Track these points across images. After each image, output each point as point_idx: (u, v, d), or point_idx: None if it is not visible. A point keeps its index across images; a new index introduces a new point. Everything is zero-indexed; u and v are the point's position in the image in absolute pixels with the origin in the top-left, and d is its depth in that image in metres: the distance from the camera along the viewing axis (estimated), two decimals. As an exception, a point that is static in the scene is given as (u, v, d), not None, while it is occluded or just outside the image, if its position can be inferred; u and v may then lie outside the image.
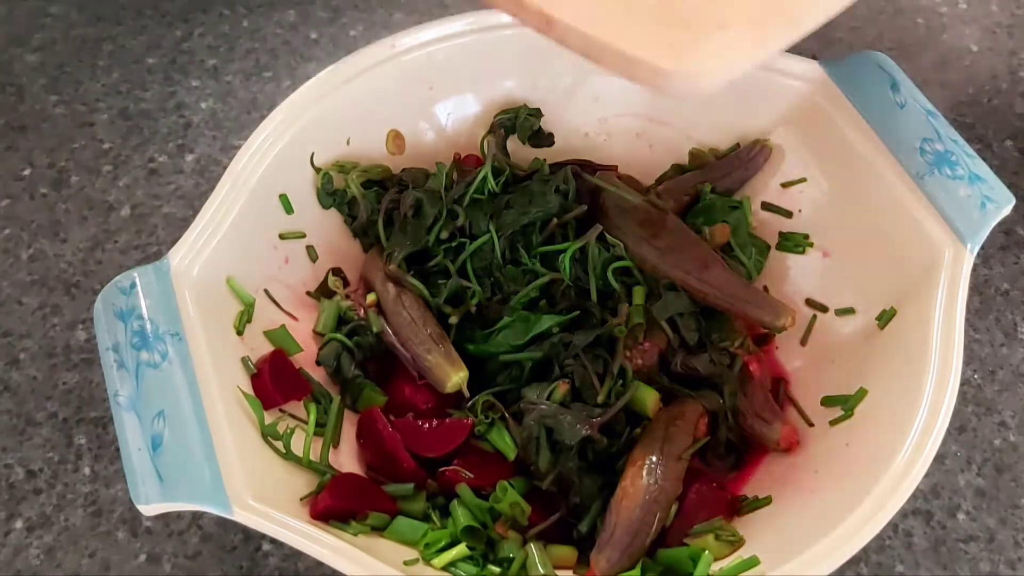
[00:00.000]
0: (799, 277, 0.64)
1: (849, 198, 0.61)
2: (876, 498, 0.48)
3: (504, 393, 0.59)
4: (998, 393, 0.67)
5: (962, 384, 0.52)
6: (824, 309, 0.62)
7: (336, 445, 0.57)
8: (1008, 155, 0.79)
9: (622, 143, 0.68)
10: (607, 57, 0.47)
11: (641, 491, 0.53)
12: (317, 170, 0.62)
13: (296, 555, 0.60)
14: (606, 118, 0.66)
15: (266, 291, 0.60)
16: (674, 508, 0.54)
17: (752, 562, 0.49)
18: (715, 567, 0.51)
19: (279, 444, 0.53)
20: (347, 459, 0.58)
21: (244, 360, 0.56)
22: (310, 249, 0.63)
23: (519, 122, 0.66)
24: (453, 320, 0.61)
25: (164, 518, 0.61)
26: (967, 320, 0.53)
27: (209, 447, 0.49)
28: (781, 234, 0.65)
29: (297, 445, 0.54)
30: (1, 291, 0.72)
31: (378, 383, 0.61)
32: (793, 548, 0.48)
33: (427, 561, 0.51)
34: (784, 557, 0.48)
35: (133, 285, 0.53)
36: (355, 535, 0.51)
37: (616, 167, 0.69)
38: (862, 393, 0.55)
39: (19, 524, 0.62)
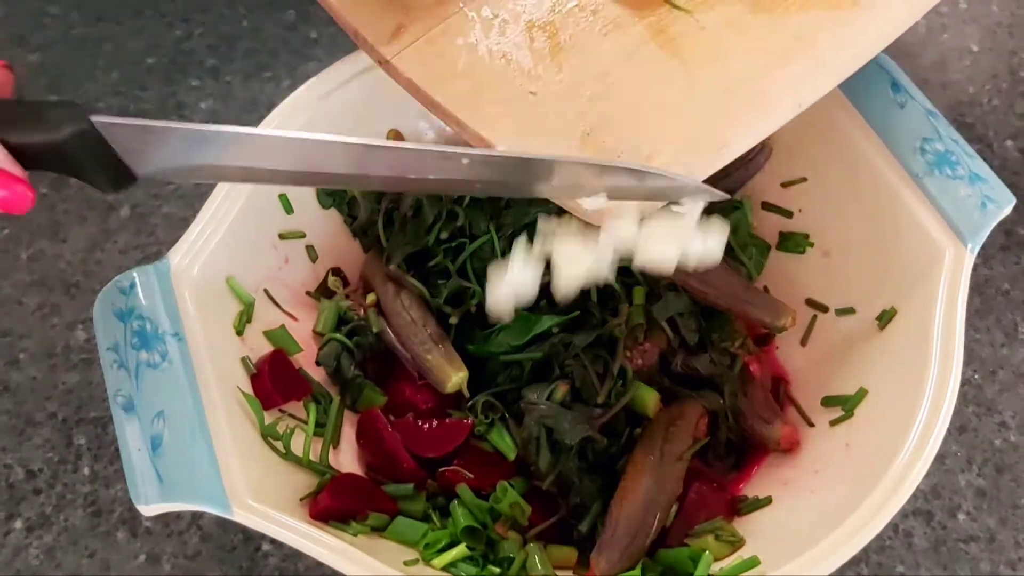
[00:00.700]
0: (799, 277, 0.64)
1: (849, 198, 0.61)
2: (876, 498, 0.48)
3: (504, 393, 0.59)
4: (998, 393, 0.67)
5: (962, 384, 0.52)
6: (824, 309, 0.62)
7: (336, 445, 0.57)
8: (1008, 155, 0.79)
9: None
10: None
11: (641, 491, 0.53)
12: (317, 170, 0.62)
13: (296, 555, 0.60)
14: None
15: (266, 291, 0.60)
16: (674, 508, 0.54)
17: (752, 562, 0.49)
18: (715, 567, 0.51)
19: (279, 444, 0.53)
20: (347, 459, 0.58)
21: (244, 360, 0.55)
22: (310, 249, 0.63)
23: (519, 122, 0.66)
24: (453, 320, 0.61)
25: (164, 518, 0.61)
26: (967, 320, 0.53)
27: (209, 447, 0.49)
28: (781, 234, 0.65)
29: (297, 445, 0.54)
30: (1, 291, 0.72)
31: (378, 383, 0.61)
32: (793, 548, 0.48)
33: (427, 561, 0.51)
34: (784, 557, 0.48)
35: (133, 285, 0.53)
36: (355, 535, 0.51)
37: (616, 167, 0.68)
38: (862, 393, 0.55)
39: (19, 524, 0.62)
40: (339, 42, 0.84)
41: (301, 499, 0.52)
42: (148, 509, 0.47)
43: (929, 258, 0.55)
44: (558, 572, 0.53)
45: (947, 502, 0.63)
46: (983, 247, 0.55)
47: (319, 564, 0.47)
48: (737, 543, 0.52)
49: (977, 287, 0.72)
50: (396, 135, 0.65)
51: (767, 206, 0.65)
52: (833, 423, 0.56)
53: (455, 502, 0.55)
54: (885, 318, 0.57)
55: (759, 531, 0.53)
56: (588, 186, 0.47)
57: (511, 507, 0.54)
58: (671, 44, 0.53)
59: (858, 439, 0.54)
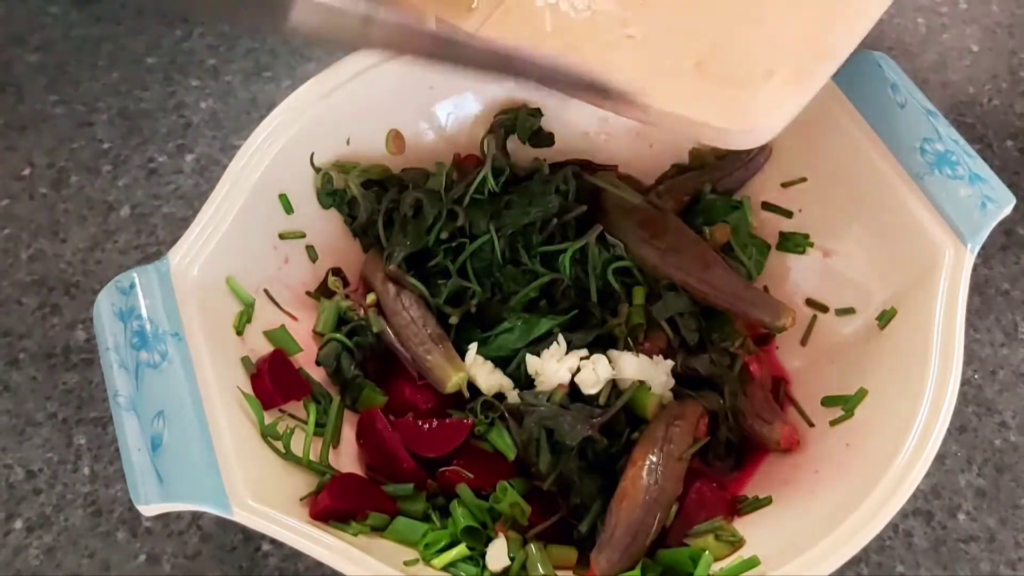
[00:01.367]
0: (799, 277, 0.64)
1: (849, 198, 0.61)
2: (876, 498, 0.48)
3: (504, 393, 0.59)
4: (998, 393, 0.67)
5: (962, 384, 0.52)
6: (824, 309, 0.62)
7: (336, 445, 0.57)
8: (1008, 155, 0.79)
9: (622, 143, 0.68)
10: (668, 122, 0.51)
11: (641, 491, 0.53)
12: (317, 170, 0.62)
13: (296, 555, 0.60)
14: (606, 117, 0.66)
15: (266, 291, 0.60)
16: (674, 508, 0.54)
17: (752, 562, 0.49)
18: (715, 567, 0.51)
19: (279, 444, 0.53)
20: (347, 459, 0.58)
21: (244, 360, 0.55)
22: (310, 249, 0.63)
23: (519, 122, 0.66)
24: (453, 320, 0.61)
25: (164, 518, 0.61)
26: (967, 320, 0.53)
27: (209, 447, 0.49)
28: (781, 234, 0.65)
29: (297, 445, 0.54)
30: (1, 291, 0.72)
31: (378, 383, 0.61)
32: (793, 548, 0.48)
33: (427, 561, 0.51)
34: (784, 557, 0.48)
35: (133, 285, 0.53)
36: (355, 535, 0.51)
37: (616, 167, 0.68)
38: (862, 393, 0.55)
39: (19, 524, 0.62)
40: (339, 42, 0.84)
41: (301, 499, 0.52)
42: (148, 509, 0.47)
43: (929, 258, 0.55)
44: (558, 572, 0.53)
45: (947, 502, 0.63)
46: (983, 247, 0.55)
47: (319, 564, 0.47)
48: (737, 543, 0.52)
49: (977, 287, 0.72)
50: (396, 135, 0.65)
51: (767, 206, 0.65)
52: (833, 423, 0.56)
53: (455, 502, 0.55)
54: (885, 318, 0.57)
55: (759, 531, 0.53)
56: None
57: (511, 507, 0.54)
58: None
59: (858, 439, 0.54)
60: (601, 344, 0.59)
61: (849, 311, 0.60)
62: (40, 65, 0.85)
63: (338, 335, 0.61)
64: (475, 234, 0.62)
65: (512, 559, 0.52)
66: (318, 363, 0.60)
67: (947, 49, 0.85)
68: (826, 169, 0.62)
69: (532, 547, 0.53)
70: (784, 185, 0.65)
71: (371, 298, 0.62)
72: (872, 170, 0.59)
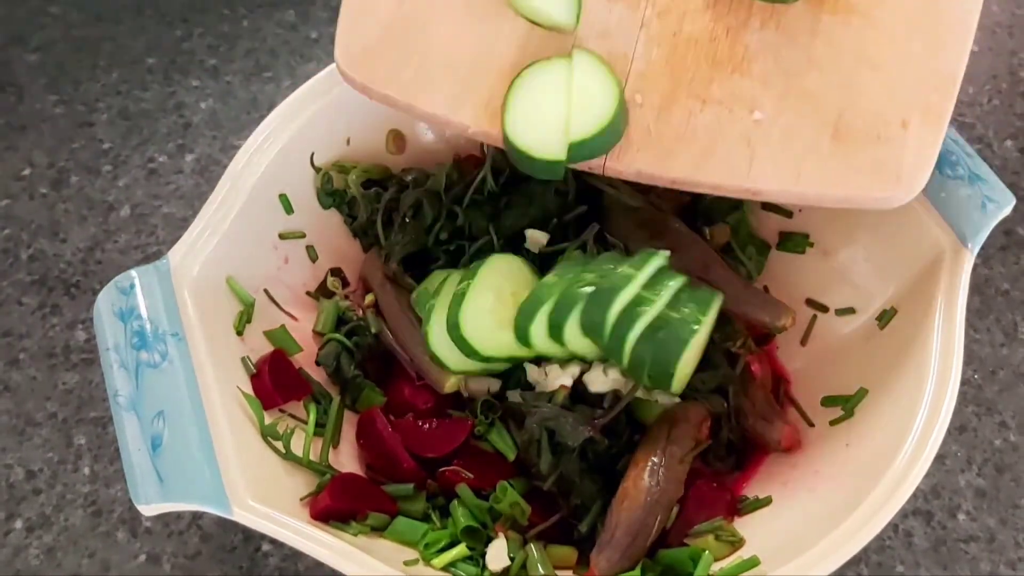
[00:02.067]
0: (799, 277, 0.64)
1: (849, 198, 0.61)
2: (876, 498, 0.48)
3: (504, 393, 0.59)
4: (998, 393, 0.67)
5: (962, 384, 0.51)
6: (824, 309, 0.62)
7: (336, 445, 0.57)
8: (1008, 155, 0.79)
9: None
10: (828, 202, 0.50)
11: (643, 493, 0.53)
12: (317, 170, 0.62)
13: (296, 555, 0.60)
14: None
15: (266, 291, 0.60)
16: (675, 510, 0.54)
17: (752, 562, 0.49)
18: (715, 567, 0.50)
19: (279, 444, 0.53)
20: (347, 459, 0.58)
21: (244, 360, 0.55)
22: (310, 249, 0.63)
23: (519, 122, 0.66)
24: (453, 320, 0.61)
25: (164, 518, 0.61)
26: (967, 320, 0.53)
27: (209, 447, 0.49)
28: (781, 234, 0.65)
29: (297, 445, 0.54)
30: (1, 291, 0.72)
31: (378, 383, 0.61)
32: (793, 548, 0.48)
33: (427, 561, 0.51)
34: (784, 557, 0.48)
35: (133, 285, 0.53)
36: (355, 535, 0.51)
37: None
38: (862, 393, 0.55)
39: (19, 524, 0.62)
40: (339, 42, 0.84)
41: (301, 499, 0.52)
42: (148, 509, 0.47)
43: (929, 258, 0.55)
44: (558, 572, 0.53)
45: (947, 502, 0.63)
46: (983, 247, 0.55)
47: (319, 564, 0.47)
48: (737, 543, 0.52)
49: (977, 287, 0.72)
50: (396, 135, 0.65)
51: (767, 206, 0.65)
52: (833, 423, 0.56)
53: (455, 502, 0.55)
54: (885, 318, 0.57)
55: (759, 531, 0.53)
56: None
57: (511, 507, 0.54)
58: (842, 4, 0.51)
59: (858, 439, 0.54)
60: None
61: (849, 311, 0.60)
62: (40, 65, 0.85)
63: (338, 335, 0.61)
64: (475, 235, 0.62)
65: (512, 559, 0.52)
66: (318, 363, 0.60)
67: (947, 49, 0.85)
68: (826, 169, 0.62)
69: (532, 547, 0.53)
70: (784, 185, 0.65)
71: (369, 298, 0.62)
72: (872, 170, 0.59)
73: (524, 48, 0.53)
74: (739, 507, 0.56)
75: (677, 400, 0.57)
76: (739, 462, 0.59)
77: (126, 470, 0.48)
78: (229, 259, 0.57)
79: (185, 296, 0.53)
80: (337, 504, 0.52)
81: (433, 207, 0.62)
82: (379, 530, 0.53)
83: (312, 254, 0.63)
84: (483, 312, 0.54)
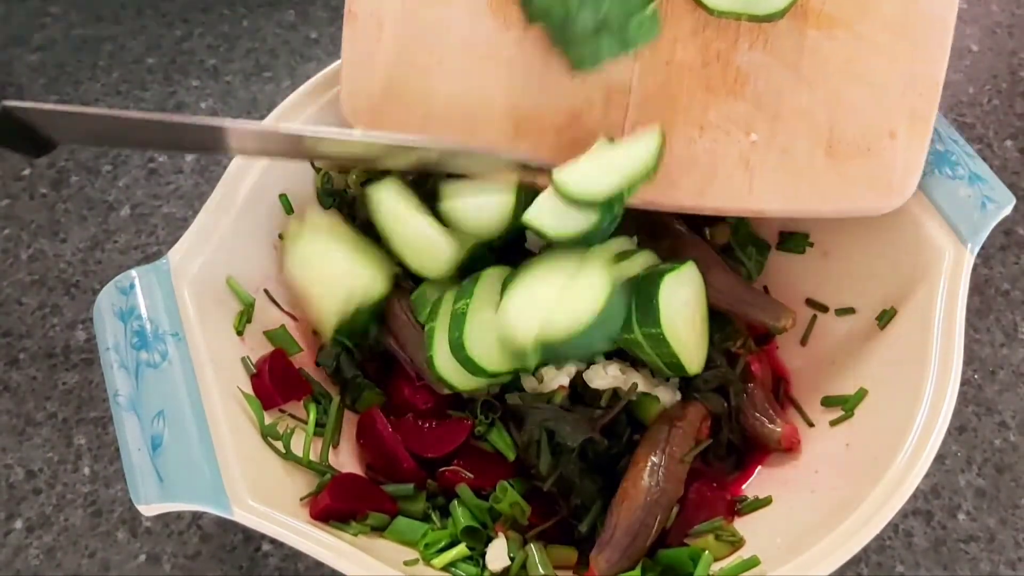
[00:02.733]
0: (799, 277, 0.64)
1: (849, 198, 0.61)
2: (876, 498, 0.48)
3: (503, 394, 0.59)
4: (998, 393, 0.67)
5: (962, 384, 0.52)
6: (824, 309, 0.62)
7: (336, 445, 0.57)
8: (1008, 155, 0.79)
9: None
10: (825, 215, 0.54)
11: (642, 493, 0.53)
12: (317, 170, 0.62)
13: (296, 555, 0.60)
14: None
15: (266, 291, 0.60)
16: (675, 510, 0.54)
17: (752, 562, 0.49)
18: (715, 567, 0.51)
19: (279, 444, 0.53)
20: (347, 459, 0.58)
21: (244, 360, 0.55)
22: (310, 249, 0.63)
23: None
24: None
25: (164, 518, 0.61)
26: (967, 320, 0.53)
27: (209, 447, 0.49)
28: (781, 234, 0.65)
29: (297, 445, 0.54)
30: (1, 291, 0.72)
31: (378, 384, 0.61)
32: (793, 548, 0.48)
33: (427, 561, 0.51)
34: (784, 557, 0.48)
35: (133, 285, 0.53)
36: (355, 535, 0.51)
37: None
38: (862, 393, 0.55)
39: (19, 524, 0.62)
40: (339, 42, 0.84)
41: (301, 499, 0.52)
42: (148, 509, 0.47)
43: (929, 258, 0.55)
44: (558, 572, 0.53)
45: (947, 502, 0.63)
46: (983, 247, 0.55)
47: (319, 564, 0.47)
48: (737, 543, 0.52)
49: (977, 287, 0.72)
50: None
51: (767, 206, 0.65)
52: (833, 423, 0.56)
53: (455, 502, 0.55)
54: (885, 318, 0.57)
55: (759, 531, 0.53)
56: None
57: (511, 507, 0.54)
58: (825, 18, 0.52)
59: (858, 439, 0.54)
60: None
61: (849, 311, 0.60)
62: (40, 65, 0.85)
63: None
64: (475, 234, 0.62)
65: (512, 559, 0.52)
66: (318, 363, 0.60)
67: (947, 49, 0.85)
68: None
69: (532, 547, 0.53)
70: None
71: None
72: (872, 170, 0.59)
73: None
74: (739, 507, 0.56)
75: (678, 399, 0.57)
76: (739, 462, 0.59)
77: (126, 470, 0.48)
78: (229, 259, 0.57)
79: (185, 296, 0.53)
80: (337, 504, 0.52)
81: (433, 207, 0.62)
82: (379, 530, 0.53)
83: (312, 254, 0.63)
84: (485, 329, 0.54)
